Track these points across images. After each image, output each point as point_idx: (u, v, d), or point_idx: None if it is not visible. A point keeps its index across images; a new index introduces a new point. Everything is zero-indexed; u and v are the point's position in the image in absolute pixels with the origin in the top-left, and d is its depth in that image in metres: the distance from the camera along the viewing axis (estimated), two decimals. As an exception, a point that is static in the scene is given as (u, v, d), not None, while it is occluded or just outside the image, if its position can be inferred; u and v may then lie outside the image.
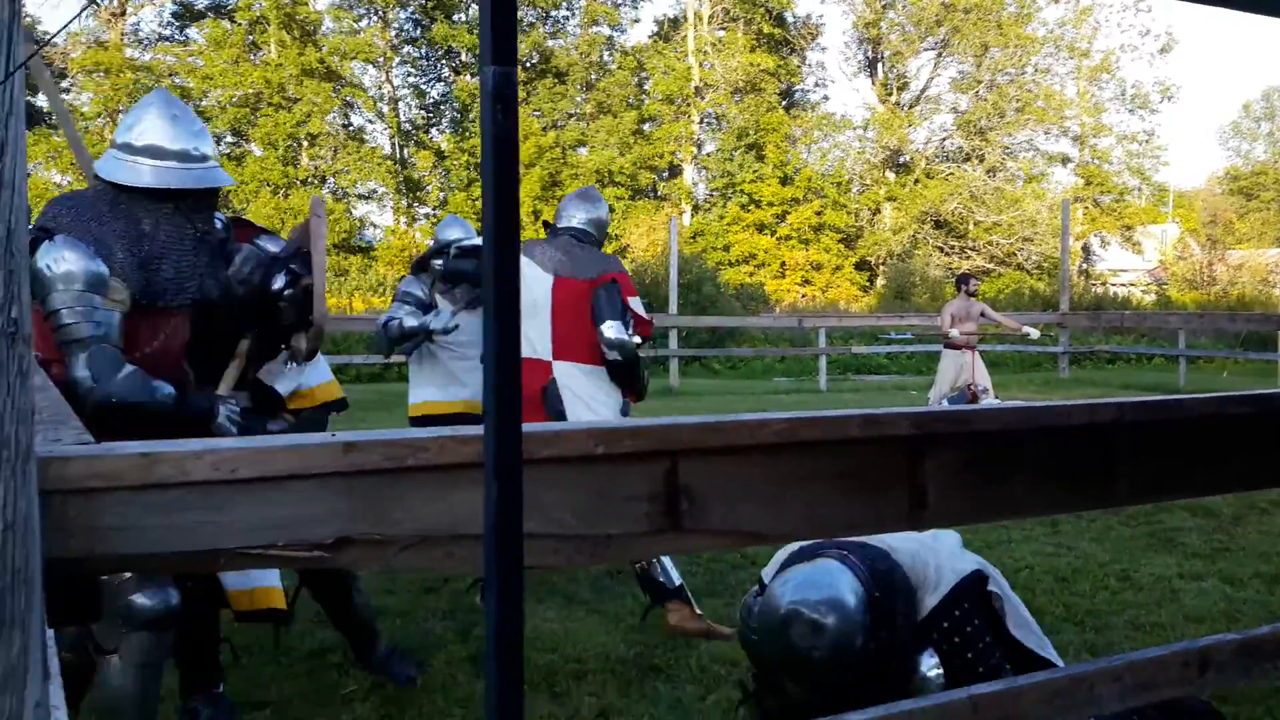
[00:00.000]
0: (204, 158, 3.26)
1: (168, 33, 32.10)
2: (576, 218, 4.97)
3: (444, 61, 35.36)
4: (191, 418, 3.15)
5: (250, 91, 29.87)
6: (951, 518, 1.77)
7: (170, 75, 29.04)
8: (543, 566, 2.31)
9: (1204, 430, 1.92)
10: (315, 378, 4.13)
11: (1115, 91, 36.49)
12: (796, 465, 1.55)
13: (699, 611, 4.53)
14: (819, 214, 34.68)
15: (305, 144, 31.19)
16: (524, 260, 4.89)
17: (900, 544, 2.92)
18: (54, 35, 1.11)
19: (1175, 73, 76.52)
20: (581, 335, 4.73)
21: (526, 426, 1.22)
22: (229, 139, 31.33)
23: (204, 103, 30.14)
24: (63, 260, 2.95)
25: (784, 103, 36.79)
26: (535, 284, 4.76)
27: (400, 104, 35.06)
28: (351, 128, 33.63)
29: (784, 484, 1.55)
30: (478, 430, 1.34)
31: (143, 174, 3.16)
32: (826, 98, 54.38)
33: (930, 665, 2.67)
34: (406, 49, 34.85)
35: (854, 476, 1.59)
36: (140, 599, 2.93)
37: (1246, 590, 5.25)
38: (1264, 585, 5.35)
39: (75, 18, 1.17)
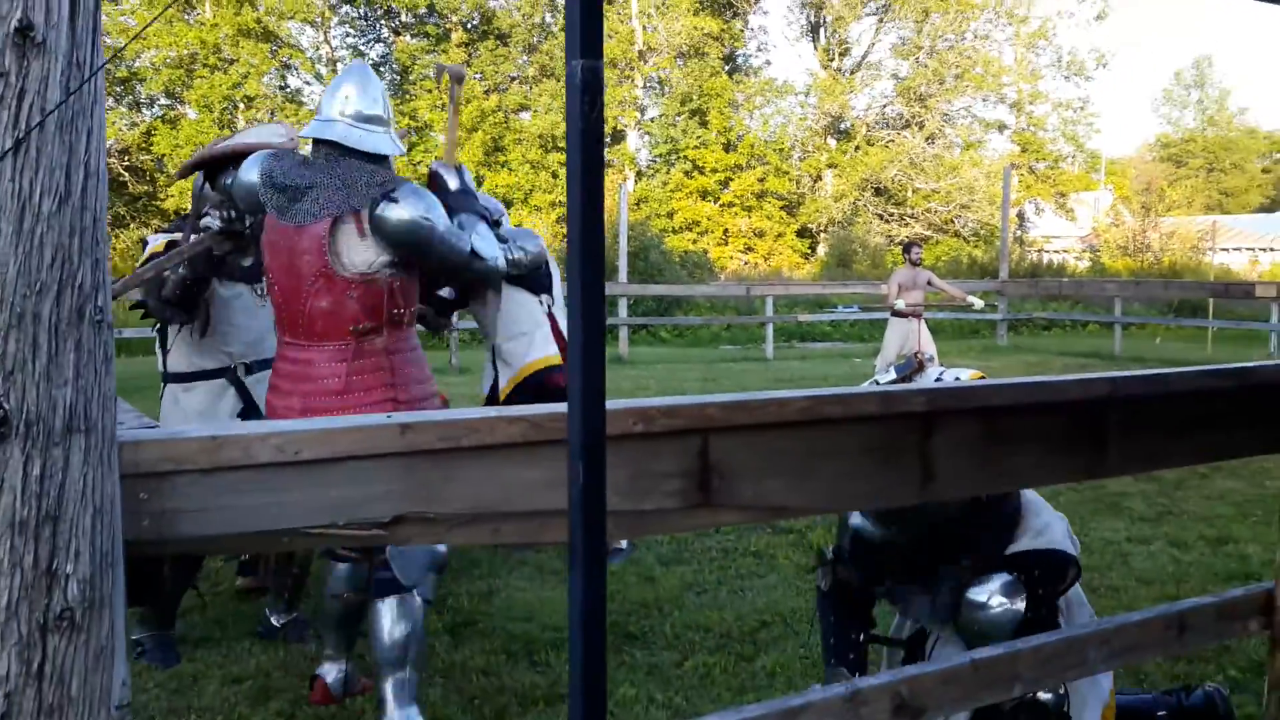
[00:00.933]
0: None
1: (97, -10, 31.12)
2: None
3: (383, 22, 34.75)
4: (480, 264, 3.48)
5: (185, 53, 29.04)
6: (959, 488, 1.85)
7: (103, 35, 28.13)
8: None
9: (1189, 402, 2.02)
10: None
11: (1052, 58, 36.90)
12: (819, 441, 1.62)
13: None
14: (761, 181, 34.74)
15: (242, 106, 30.43)
16: None
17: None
18: (140, 31, 1.12)
19: (1110, 40, 77.57)
20: None
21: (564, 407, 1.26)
22: (163, 101, 30.54)
23: (136, 64, 29.29)
24: (434, 203, 3.31)
25: (727, 67, 36.67)
26: None
27: (339, 65, 34.41)
28: (289, 90, 32.97)
29: (807, 459, 1.61)
30: (524, 411, 1.38)
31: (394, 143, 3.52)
32: (769, 62, 54.60)
33: (994, 590, 2.67)
34: (345, 9, 34.16)
35: (872, 451, 1.65)
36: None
37: (1192, 553, 5.45)
38: (1208, 548, 5.55)
39: (158, 16, 1.17)
